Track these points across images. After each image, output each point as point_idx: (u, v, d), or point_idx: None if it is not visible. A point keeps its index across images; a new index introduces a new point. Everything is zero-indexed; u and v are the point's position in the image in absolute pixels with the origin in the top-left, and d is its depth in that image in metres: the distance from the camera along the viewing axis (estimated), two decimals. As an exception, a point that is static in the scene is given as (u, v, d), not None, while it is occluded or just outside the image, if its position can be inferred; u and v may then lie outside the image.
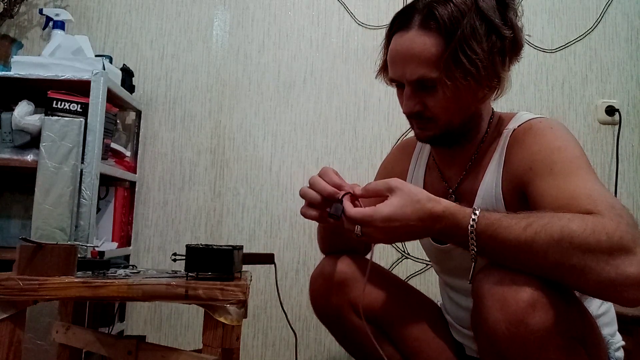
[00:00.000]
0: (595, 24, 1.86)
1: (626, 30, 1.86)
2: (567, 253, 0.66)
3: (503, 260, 0.72)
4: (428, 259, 1.50)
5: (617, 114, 1.80)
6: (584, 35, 1.86)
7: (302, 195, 0.88)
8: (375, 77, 1.00)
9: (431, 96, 0.87)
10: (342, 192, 0.82)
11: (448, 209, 0.75)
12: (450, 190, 0.99)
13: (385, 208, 0.76)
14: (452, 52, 0.82)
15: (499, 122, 0.96)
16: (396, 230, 0.76)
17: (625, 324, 1.24)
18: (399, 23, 0.89)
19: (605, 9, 1.86)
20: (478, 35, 0.82)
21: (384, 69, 0.97)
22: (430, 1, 0.85)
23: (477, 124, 0.95)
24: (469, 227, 0.73)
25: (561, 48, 1.86)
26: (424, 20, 0.85)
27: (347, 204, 0.80)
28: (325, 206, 0.84)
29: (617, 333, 0.97)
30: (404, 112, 0.92)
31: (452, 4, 0.83)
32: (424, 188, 1.04)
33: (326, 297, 1.02)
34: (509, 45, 0.86)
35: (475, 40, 0.82)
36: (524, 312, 0.68)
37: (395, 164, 1.14)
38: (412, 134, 1.01)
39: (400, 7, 1.00)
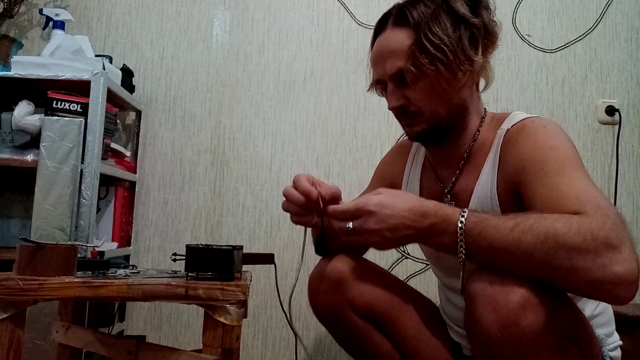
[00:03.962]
0: (595, 24, 1.86)
1: (626, 30, 1.86)
2: (553, 253, 0.67)
3: (491, 261, 0.72)
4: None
5: (617, 114, 1.80)
6: (584, 35, 1.86)
7: (285, 210, 0.91)
8: (367, 90, 1.03)
9: (412, 89, 0.90)
10: (322, 203, 0.84)
11: (437, 205, 0.78)
12: (446, 190, 0.99)
13: (376, 197, 0.79)
14: (417, 39, 0.87)
15: (492, 122, 0.97)
16: (388, 220, 0.76)
17: (624, 324, 1.24)
18: (377, 28, 0.96)
19: (605, 9, 1.86)
20: (442, 23, 0.86)
21: (374, 81, 1.00)
22: (402, 3, 0.92)
23: (465, 118, 0.95)
24: (458, 223, 0.74)
25: (561, 48, 1.86)
26: (395, 19, 0.91)
27: (332, 206, 0.83)
28: (307, 211, 0.87)
29: (615, 333, 0.97)
30: (389, 109, 0.95)
31: (422, 3, 0.89)
32: (420, 189, 1.05)
33: (324, 297, 1.02)
34: (480, 32, 0.89)
35: (439, 27, 0.86)
36: (515, 313, 0.68)
37: (392, 165, 1.14)
38: (409, 134, 1.02)
39: (400, 7, 1.00)
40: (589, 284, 0.66)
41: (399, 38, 0.89)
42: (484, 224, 0.72)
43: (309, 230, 0.96)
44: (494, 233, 0.71)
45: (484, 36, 0.89)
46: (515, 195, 0.86)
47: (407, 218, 0.77)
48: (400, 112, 0.94)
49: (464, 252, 0.73)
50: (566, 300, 0.75)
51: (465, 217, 0.74)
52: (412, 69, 0.87)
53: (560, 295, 0.74)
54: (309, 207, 0.86)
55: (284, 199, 0.90)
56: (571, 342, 0.73)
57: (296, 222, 0.91)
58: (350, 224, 0.79)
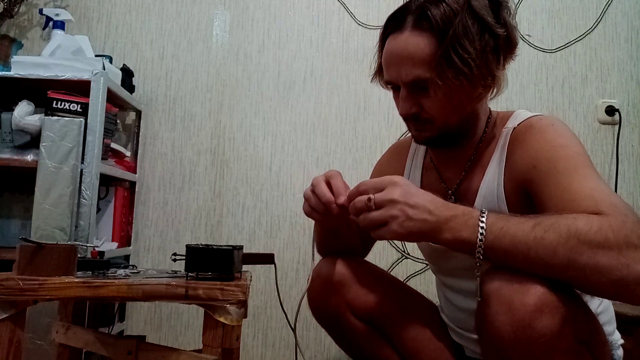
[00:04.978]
0: (595, 24, 1.86)
1: (626, 30, 1.86)
2: (576, 250, 0.66)
3: (512, 259, 0.70)
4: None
5: (617, 114, 1.80)
6: (584, 35, 1.86)
7: (306, 199, 0.91)
8: (371, 81, 1.00)
9: (427, 97, 0.87)
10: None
11: (457, 204, 0.77)
12: (450, 191, 0.98)
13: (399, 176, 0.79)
14: (444, 52, 0.82)
15: (497, 121, 0.96)
16: (411, 196, 0.76)
17: (625, 324, 1.24)
18: (393, 25, 0.89)
19: (605, 9, 1.86)
20: (470, 34, 0.82)
21: (379, 72, 0.96)
22: (422, 2, 0.85)
23: (475, 124, 0.94)
24: (480, 217, 0.72)
25: (561, 48, 1.86)
26: (416, 21, 0.85)
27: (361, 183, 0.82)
28: (326, 211, 0.86)
29: (616, 331, 0.97)
30: (401, 114, 0.92)
31: (444, 4, 0.83)
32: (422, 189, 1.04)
33: (324, 299, 1.02)
34: (503, 43, 0.85)
35: (467, 40, 0.81)
36: (530, 316, 0.67)
37: (390, 166, 1.12)
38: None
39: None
40: (613, 283, 0.65)
41: (419, 44, 0.84)
42: (504, 220, 0.71)
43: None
44: (515, 230, 0.70)
45: (506, 47, 0.86)
46: (524, 193, 0.85)
47: (429, 202, 0.76)
48: (411, 119, 0.91)
49: (482, 250, 0.72)
50: (582, 304, 0.74)
51: (486, 213, 0.73)
52: (439, 81, 0.83)
53: (576, 298, 0.73)
54: (332, 206, 0.85)
55: (308, 188, 0.90)
56: (584, 346, 0.72)
57: (309, 215, 0.92)
58: (372, 195, 0.77)
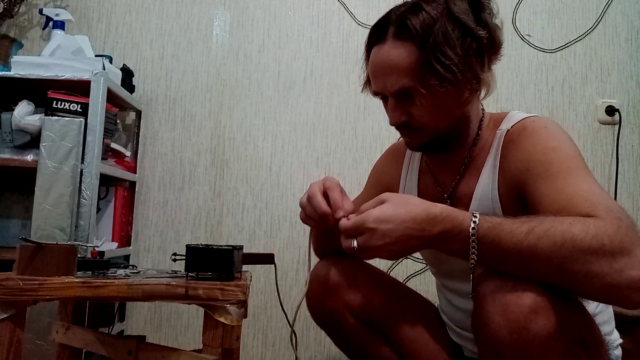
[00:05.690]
0: (595, 24, 1.86)
1: (626, 30, 1.86)
2: (570, 258, 0.65)
3: (505, 266, 0.71)
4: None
5: (617, 114, 1.80)
6: (584, 35, 1.86)
7: (302, 207, 0.91)
8: (361, 91, 1.00)
9: (415, 106, 0.87)
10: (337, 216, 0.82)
11: (445, 209, 0.74)
12: (445, 195, 0.98)
13: (375, 210, 0.75)
14: (425, 60, 0.82)
15: (491, 122, 0.96)
16: (391, 234, 0.73)
17: (624, 324, 1.24)
18: (375, 36, 0.90)
19: (605, 9, 1.86)
20: (451, 40, 0.82)
21: (368, 82, 0.97)
22: (402, 11, 0.86)
23: (467, 127, 0.94)
24: (470, 230, 0.71)
25: (561, 48, 1.86)
26: (397, 31, 0.85)
27: (342, 220, 0.80)
28: (322, 220, 0.86)
29: (615, 331, 0.97)
30: (391, 124, 0.92)
31: (424, 12, 0.83)
32: (419, 193, 1.03)
33: (322, 300, 1.02)
34: (486, 45, 0.85)
35: (448, 46, 0.81)
36: (526, 317, 0.67)
37: (387, 170, 1.13)
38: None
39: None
40: (606, 289, 0.65)
41: (401, 54, 0.84)
42: (497, 229, 0.70)
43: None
44: (509, 239, 0.69)
45: (489, 48, 0.86)
46: (518, 196, 0.85)
47: (411, 229, 0.73)
48: (402, 127, 0.92)
49: (475, 258, 0.72)
50: (577, 304, 0.74)
51: (477, 222, 0.71)
52: (423, 90, 0.83)
53: (572, 299, 0.73)
54: (328, 218, 0.85)
55: (304, 196, 0.89)
56: (580, 346, 0.72)
57: (305, 222, 0.93)
58: (355, 243, 0.76)
